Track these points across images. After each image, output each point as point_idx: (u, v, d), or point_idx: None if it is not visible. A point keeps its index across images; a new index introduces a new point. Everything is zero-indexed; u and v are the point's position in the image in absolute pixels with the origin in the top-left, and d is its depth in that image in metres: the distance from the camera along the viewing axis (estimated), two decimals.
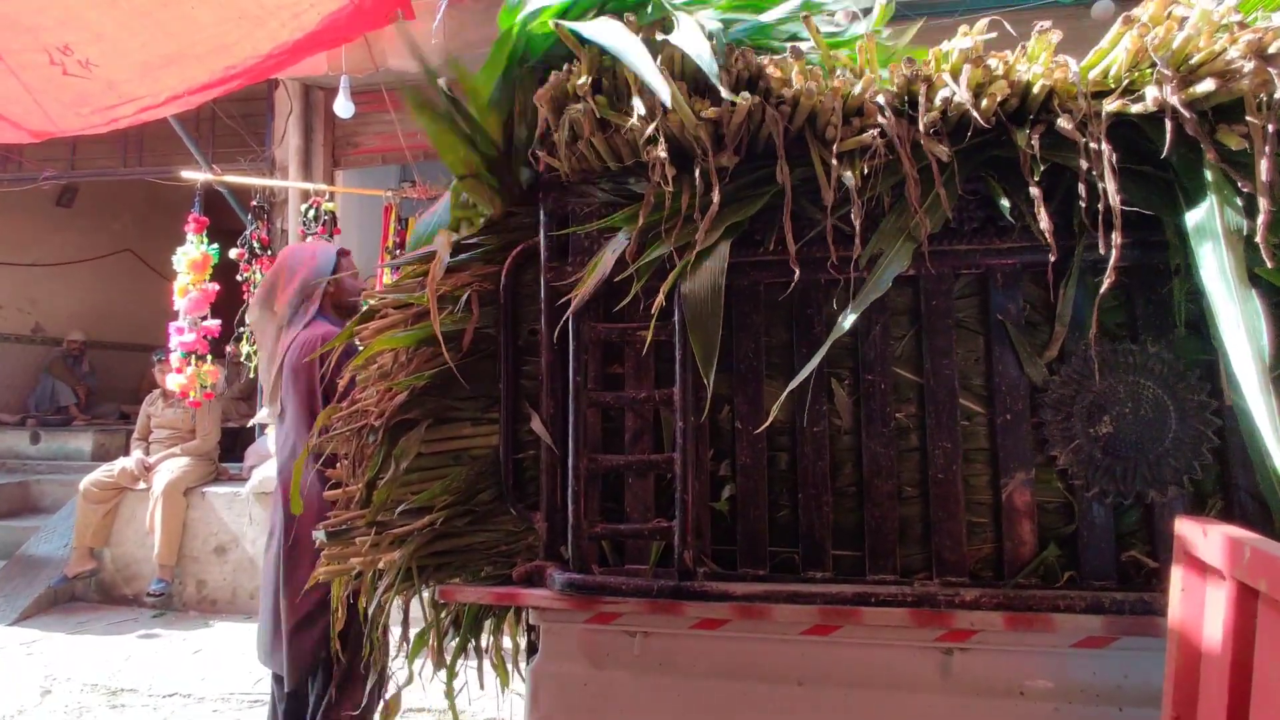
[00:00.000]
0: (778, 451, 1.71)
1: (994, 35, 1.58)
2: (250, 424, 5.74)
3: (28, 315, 8.32)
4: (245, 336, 5.61)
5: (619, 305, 1.71)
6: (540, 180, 1.83)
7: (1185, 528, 1.15)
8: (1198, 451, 1.51)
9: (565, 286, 1.76)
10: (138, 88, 3.31)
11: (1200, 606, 1.05)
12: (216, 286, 5.44)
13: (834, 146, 1.58)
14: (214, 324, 5.41)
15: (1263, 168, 1.29)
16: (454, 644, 2.04)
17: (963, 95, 1.49)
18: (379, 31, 4.20)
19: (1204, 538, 1.06)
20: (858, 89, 1.61)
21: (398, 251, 5.28)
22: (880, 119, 1.56)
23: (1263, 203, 1.28)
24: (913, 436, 1.65)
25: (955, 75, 1.55)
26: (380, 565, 1.86)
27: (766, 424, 1.54)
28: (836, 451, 1.68)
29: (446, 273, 1.93)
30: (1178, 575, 1.14)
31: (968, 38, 1.55)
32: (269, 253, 5.62)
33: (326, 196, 5.56)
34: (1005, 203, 1.53)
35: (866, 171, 1.56)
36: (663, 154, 1.54)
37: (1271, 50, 1.30)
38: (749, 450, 1.68)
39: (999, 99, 1.51)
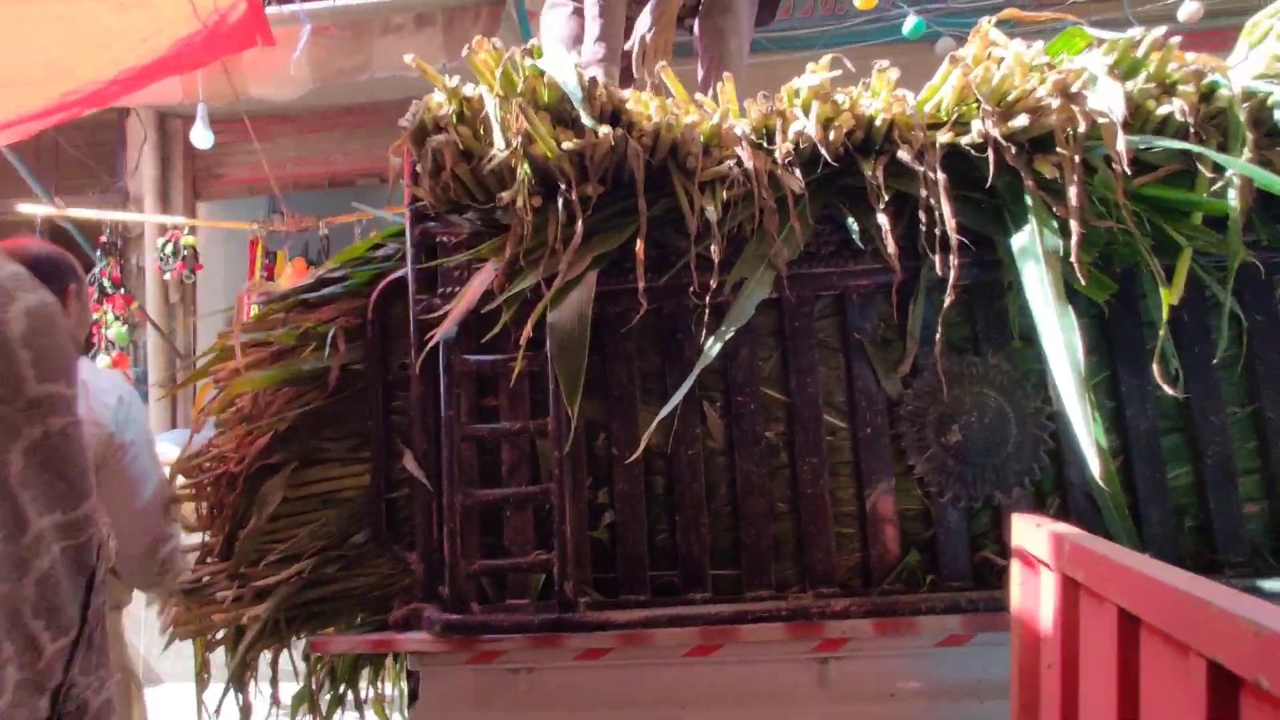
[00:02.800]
0: (654, 476, 1.72)
1: (839, 73, 1.67)
2: None
3: None
4: None
5: (488, 336, 1.69)
6: (408, 211, 1.80)
7: (1019, 525, 1.24)
8: (1036, 454, 1.63)
9: (434, 319, 1.72)
10: None
11: (1036, 599, 1.13)
12: None
13: (694, 177, 1.62)
14: None
15: (1072, 194, 1.42)
16: (329, 698, 1.94)
17: (811, 129, 1.57)
18: (238, 58, 4.04)
19: (1034, 534, 1.15)
20: (715, 119, 1.67)
21: (265, 278, 5.03)
22: (738, 150, 1.62)
23: (1074, 225, 1.41)
24: (782, 454, 1.71)
25: (806, 110, 1.64)
26: (244, 621, 1.75)
27: (638, 452, 1.55)
28: (711, 472, 1.71)
29: (310, 308, 1.87)
30: (1015, 570, 1.23)
31: (815, 74, 1.64)
32: (122, 290, 5.24)
33: (186, 230, 5.25)
34: (855, 229, 1.62)
35: (726, 199, 1.62)
36: (524, 187, 1.55)
37: (1074, 89, 1.45)
38: (626, 477, 1.69)
39: (845, 130, 1.60)
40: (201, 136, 4.49)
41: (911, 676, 1.59)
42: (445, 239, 1.78)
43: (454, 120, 1.68)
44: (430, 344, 1.67)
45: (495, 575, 1.71)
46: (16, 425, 0.82)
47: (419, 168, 1.73)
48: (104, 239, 5.32)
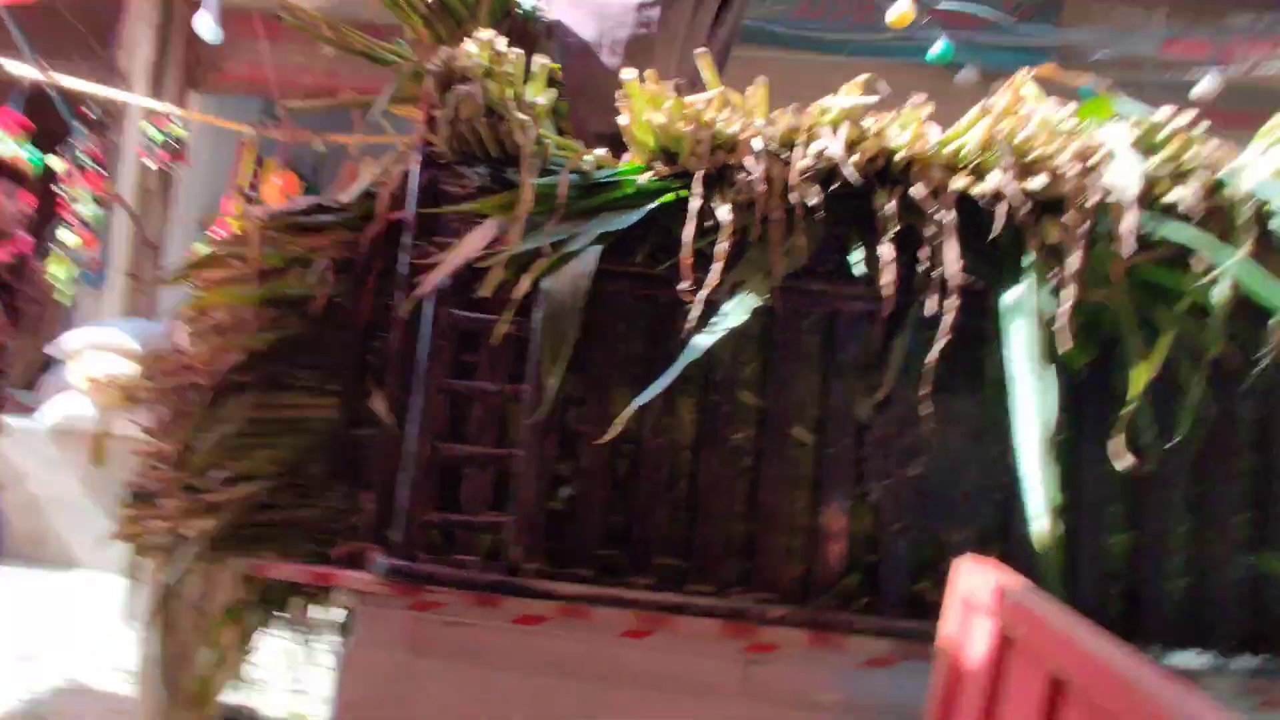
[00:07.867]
0: (619, 458, 1.74)
1: (875, 99, 1.68)
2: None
3: None
4: (51, 254, 5.03)
5: (477, 292, 1.68)
6: (418, 154, 1.78)
7: (964, 567, 1.29)
8: (989, 500, 1.69)
9: (427, 266, 1.71)
10: None
11: (968, 642, 1.19)
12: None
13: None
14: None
15: (1074, 261, 1.46)
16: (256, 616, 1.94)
17: (837, 150, 1.58)
18: None
19: (978, 579, 1.20)
20: (735, 129, 1.67)
21: (252, 194, 4.90)
22: (752, 158, 1.63)
23: (1070, 291, 1.45)
24: (746, 458, 1.74)
25: (835, 128, 1.65)
26: (187, 532, 1.74)
27: (612, 435, 1.56)
28: (674, 464, 1.73)
29: (303, 233, 1.84)
30: (953, 609, 1.28)
31: (850, 96, 1.64)
32: (99, 169, 5.07)
33: (176, 120, 5.08)
34: (857, 256, 1.64)
35: (738, 201, 1.62)
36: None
37: (1092, 161, 1.48)
38: (591, 454, 1.71)
39: (868, 157, 1.61)
40: (207, 27, 4.33)
41: (834, 689, 1.65)
42: (452, 189, 1.77)
43: (482, 74, 1.66)
44: (421, 291, 1.66)
45: (444, 529, 1.72)
46: None
47: (437, 114, 1.71)
48: (83, 109, 5.11)
